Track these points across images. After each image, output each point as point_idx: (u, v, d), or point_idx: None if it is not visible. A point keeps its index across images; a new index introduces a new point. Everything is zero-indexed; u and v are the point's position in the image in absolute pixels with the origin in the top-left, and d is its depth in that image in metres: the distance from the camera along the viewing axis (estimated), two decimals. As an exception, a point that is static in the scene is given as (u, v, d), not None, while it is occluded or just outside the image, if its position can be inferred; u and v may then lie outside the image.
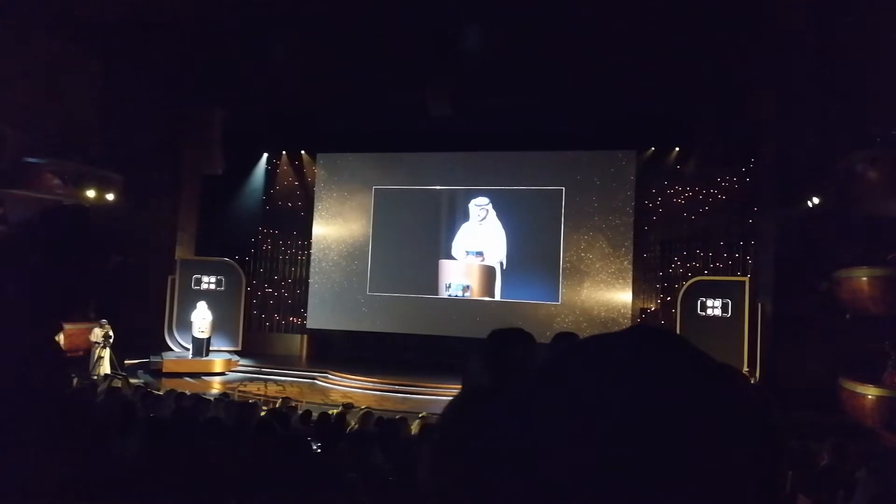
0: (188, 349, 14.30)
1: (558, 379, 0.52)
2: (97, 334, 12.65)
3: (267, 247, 16.96)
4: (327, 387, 13.50)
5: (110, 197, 13.50)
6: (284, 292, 16.82)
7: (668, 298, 14.25)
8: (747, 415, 0.49)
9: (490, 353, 1.64)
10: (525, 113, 14.22)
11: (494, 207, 15.42)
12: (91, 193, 13.16)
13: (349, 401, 9.65)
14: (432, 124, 14.35)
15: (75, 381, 9.14)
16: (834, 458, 5.11)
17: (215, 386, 12.84)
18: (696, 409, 0.48)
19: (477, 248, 15.44)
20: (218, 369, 14.12)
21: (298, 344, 16.66)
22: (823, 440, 5.64)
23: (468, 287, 15.45)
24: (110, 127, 13.80)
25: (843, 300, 10.39)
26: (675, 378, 0.49)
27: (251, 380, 12.48)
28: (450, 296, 15.51)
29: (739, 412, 0.49)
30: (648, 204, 14.73)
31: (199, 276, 15.24)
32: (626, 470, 0.45)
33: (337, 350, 15.90)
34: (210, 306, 14.38)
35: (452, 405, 0.93)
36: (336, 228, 16.59)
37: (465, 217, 15.60)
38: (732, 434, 0.48)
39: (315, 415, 6.87)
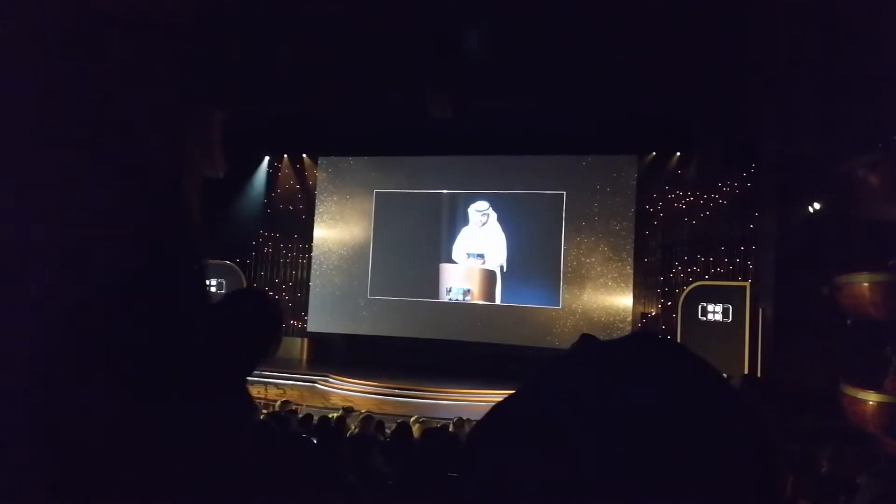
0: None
1: (559, 380, 0.52)
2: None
3: (268, 250, 16.98)
4: (327, 390, 13.50)
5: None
6: (285, 295, 16.82)
7: (669, 303, 14.25)
8: (745, 420, 0.50)
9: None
10: (526, 117, 14.24)
11: (495, 211, 15.43)
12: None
13: (349, 404, 9.65)
14: (433, 128, 14.37)
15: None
16: (834, 464, 5.10)
17: (215, 389, 12.82)
18: (695, 412, 0.48)
19: (478, 250, 15.45)
20: (218, 372, 14.11)
21: (299, 347, 16.67)
22: (824, 446, 5.64)
23: (469, 291, 15.45)
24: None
25: (844, 305, 10.37)
26: (675, 381, 0.50)
27: (251, 383, 12.46)
28: (450, 300, 15.51)
29: (738, 417, 0.50)
30: (649, 208, 14.74)
31: (199, 278, 15.23)
32: (626, 471, 0.45)
33: (337, 353, 15.91)
34: (211, 309, 14.37)
35: None
36: (337, 232, 16.61)
37: (466, 221, 15.62)
38: (731, 438, 0.48)
39: (315, 418, 6.87)
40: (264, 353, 1.60)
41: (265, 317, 1.64)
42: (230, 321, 1.56)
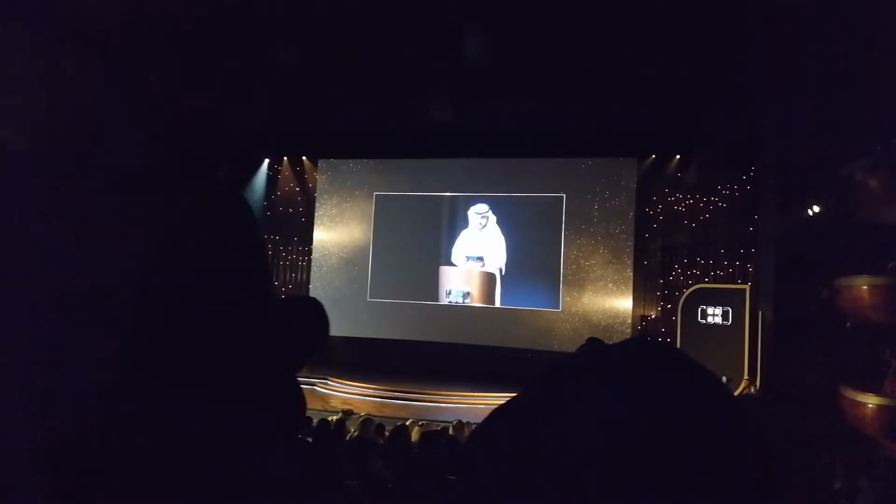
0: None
1: (561, 384, 0.52)
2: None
3: (268, 252, 16.96)
4: (327, 393, 13.49)
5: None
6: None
7: (669, 306, 14.25)
8: (742, 423, 0.50)
9: None
10: (526, 119, 14.25)
11: (495, 213, 15.44)
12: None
13: (349, 407, 9.64)
14: (433, 130, 14.38)
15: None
16: (835, 468, 5.10)
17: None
18: (693, 415, 0.48)
19: (477, 253, 15.45)
20: (218, 375, 14.08)
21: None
22: (824, 449, 5.63)
23: (468, 294, 15.45)
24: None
25: (844, 308, 10.37)
26: (673, 385, 0.50)
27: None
28: (450, 302, 15.51)
29: (735, 421, 0.50)
30: (649, 211, 14.75)
31: (199, 281, 15.23)
32: (625, 473, 0.45)
33: (337, 356, 15.89)
34: (210, 312, 14.37)
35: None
36: (337, 234, 16.61)
37: (466, 224, 15.62)
38: (728, 442, 0.48)
39: (315, 421, 6.87)
40: (311, 356, 1.62)
41: (321, 323, 1.68)
42: (289, 326, 1.57)
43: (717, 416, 0.50)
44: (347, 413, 8.36)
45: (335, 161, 16.83)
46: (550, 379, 0.53)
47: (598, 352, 0.54)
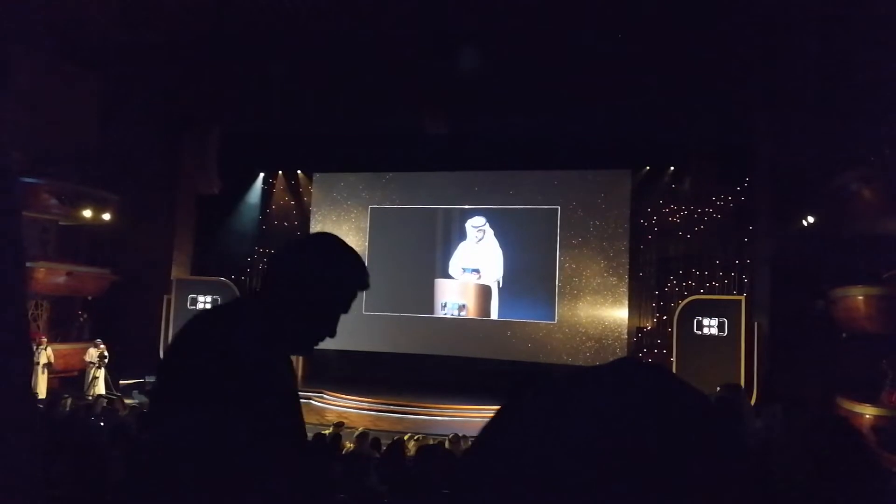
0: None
1: (548, 402, 0.52)
2: (92, 354, 12.60)
3: (263, 266, 16.94)
4: (322, 406, 13.42)
5: (106, 217, 13.51)
6: (280, 312, 16.75)
7: (665, 317, 14.23)
8: (730, 442, 0.49)
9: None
10: (521, 132, 14.27)
11: (491, 226, 15.43)
12: (87, 213, 13.17)
13: (344, 421, 9.60)
14: (428, 144, 14.40)
15: (69, 401, 9.11)
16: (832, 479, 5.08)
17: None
18: (679, 436, 0.48)
19: (473, 265, 15.44)
20: (213, 389, 14.00)
21: (293, 363, 16.56)
22: (820, 459, 5.60)
23: (464, 306, 15.42)
24: (108, 147, 13.82)
25: (839, 319, 10.38)
26: (659, 406, 0.49)
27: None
28: (446, 315, 15.47)
29: (723, 440, 0.49)
30: (644, 223, 14.75)
31: (194, 295, 15.18)
32: (614, 492, 0.45)
33: (332, 369, 15.82)
34: (205, 326, 14.30)
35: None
36: (332, 247, 16.57)
37: (462, 236, 15.61)
38: (717, 462, 0.48)
39: (310, 435, 6.83)
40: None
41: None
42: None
43: (708, 435, 0.49)
44: (339, 425, 8.32)
45: (330, 174, 16.82)
46: (542, 398, 0.52)
47: (586, 373, 0.54)
